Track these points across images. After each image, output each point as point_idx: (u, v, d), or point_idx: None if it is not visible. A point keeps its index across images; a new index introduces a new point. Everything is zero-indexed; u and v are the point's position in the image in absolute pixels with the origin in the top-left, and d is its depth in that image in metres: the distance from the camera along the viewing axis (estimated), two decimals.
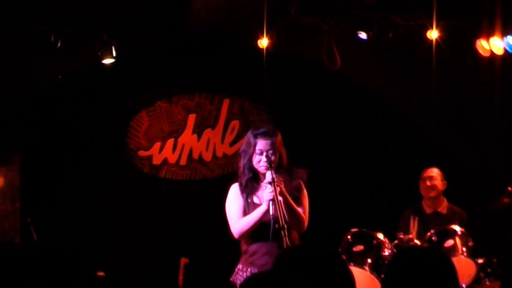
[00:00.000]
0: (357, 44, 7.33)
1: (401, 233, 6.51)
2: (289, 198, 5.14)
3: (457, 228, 6.48)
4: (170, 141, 8.62)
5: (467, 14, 6.97)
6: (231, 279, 5.32)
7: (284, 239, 4.88)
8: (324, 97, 8.65)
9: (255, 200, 5.22)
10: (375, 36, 7.15)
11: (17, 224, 8.33)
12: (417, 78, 7.99)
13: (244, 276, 5.16)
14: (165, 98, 8.66)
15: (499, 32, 6.85)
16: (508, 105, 7.98)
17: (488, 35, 6.92)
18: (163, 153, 8.61)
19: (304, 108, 8.62)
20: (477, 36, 6.98)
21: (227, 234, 5.36)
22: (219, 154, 8.64)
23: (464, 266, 6.24)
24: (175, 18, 7.74)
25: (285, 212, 5.03)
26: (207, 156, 8.65)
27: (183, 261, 7.46)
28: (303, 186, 5.31)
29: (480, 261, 6.40)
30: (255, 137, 5.23)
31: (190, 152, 8.64)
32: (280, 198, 5.01)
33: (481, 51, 7.00)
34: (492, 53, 6.96)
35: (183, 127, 8.64)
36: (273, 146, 5.19)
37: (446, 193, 7.20)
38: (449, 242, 6.38)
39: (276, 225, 4.94)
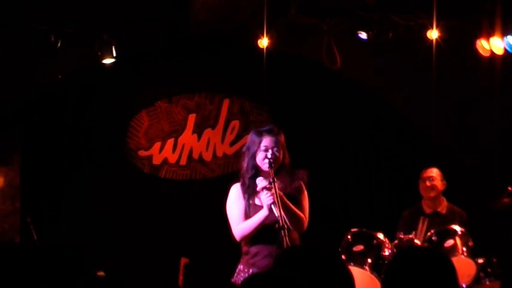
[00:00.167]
0: (357, 44, 7.33)
1: (402, 233, 6.51)
2: (286, 199, 5.13)
3: (457, 228, 6.47)
4: (170, 141, 8.62)
5: (467, 13, 6.97)
6: (232, 280, 5.31)
7: (284, 239, 4.88)
8: (324, 97, 8.65)
9: (257, 201, 5.19)
10: (375, 36, 7.16)
11: (17, 224, 8.34)
12: (417, 78, 7.99)
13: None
14: (165, 98, 8.66)
15: (499, 31, 6.85)
16: (508, 105, 7.98)
17: (488, 35, 6.92)
18: (163, 153, 8.61)
19: (304, 108, 8.62)
20: (477, 36, 6.98)
21: (227, 234, 5.35)
22: (219, 154, 8.64)
23: (465, 266, 6.23)
24: (175, 18, 7.75)
25: (284, 212, 5.03)
26: (207, 156, 8.65)
27: (183, 261, 7.46)
28: (304, 187, 5.31)
29: (480, 261, 6.40)
30: (260, 134, 5.22)
31: (191, 152, 8.64)
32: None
33: (481, 51, 7.01)
34: (492, 52, 6.96)
35: (183, 127, 8.64)
36: (278, 143, 5.20)
37: (446, 193, 7.20)
38: (450, 242, 6.37)
39: (276, 226, 4.94)
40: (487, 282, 6.42)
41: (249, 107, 8.67)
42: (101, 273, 6.47)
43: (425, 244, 6.39)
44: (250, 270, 5.17)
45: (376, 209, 8.41)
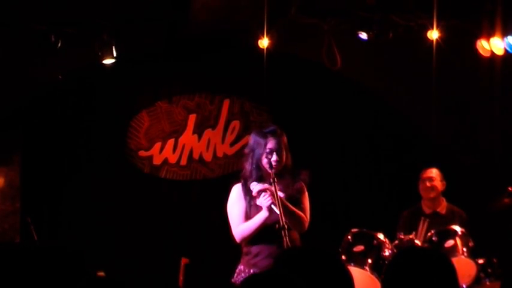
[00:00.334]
0: (357, 44, 7.33)
1: (402, 234, 6.51)
2: (285, 200, 5.13)
3: (457, 228, 6.47)
4: (170, 142, 8.62)
5: (468, 14, 6.97)
6: (232, 280, 5.30)
7: (284, 239, 4.88)
8: (324, 97, 8.65)
9: (258, 203, 5.19)
10: (375, 37, 7.15)
11: (17, 224, 8.33)
12: (417, 78, 7.99)
13: None
14: (165, 98, 8.66)
15: (500, 32, 6.85)
16: (508, 106, 7.98)
17: (488, 35, 6.92)
18: (163, 153, 8.61)
19: (304, 108, 8.62)
20: (477, 36, 6.98)
21: (227, 234, 5.35)
22: (220, 154, 8.64)
23: (465, 266, 6.23)
24: (175, 18, 7.74)
25: (284, 213, 5.03)
26: (208, 157, 8.64)
27: (183, 261, 7.46)
28: (305, 188, 5.32)
29: (480, 261, 6.40)
30: (265, 136, 5.21)
31: (191, 152, 8.64)
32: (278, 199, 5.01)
33: (481, 51, 7.00)
34: (492, 53, 6.96)
35: (183, 127, 8.64)
36: (282, 145, 5.20)
37: (446, 193, 7.20)
38: (450, 242, 6.37)
39: (276, 226, 4.94)
40: (487, 283, 6.42)
41: (249, 107, 8.67)
42: (101, 274, 6.47)
43: (426, 244, 6.39)
44: (251, 271, 5.17)
45: (376, 209, 8.41)
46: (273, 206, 5.01)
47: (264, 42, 7.49)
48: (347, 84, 8.62)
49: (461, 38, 7.15)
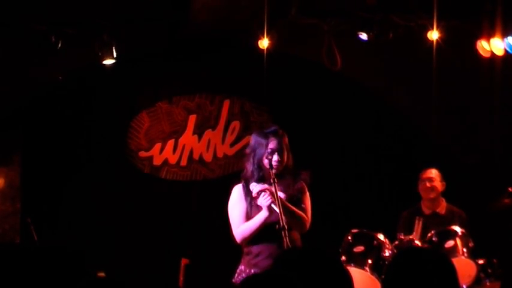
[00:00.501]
0: (357, 44, 7.33)
1: (402, 234, 6.51)
2: (285, 201, 5.13)
3: (457, 229, 6.47)
4: (171, 142, 8.62)
5: (468, 14, 6.97)
6: (233, 280, 5.30)
7: (284, 239, 4.88)
8: (325, 98, 8.65)
9: (258, 202, 5.19)
10: (376, 37, 7.15)
11: (17, 224, 8.33)
12: (417, 79, 7.99)
13: None
14: (165, 98, 8.66)
15: (500, 32, 6.85)
16: (508, 106, 7.98)
17: (488, 36, 6.91)
18: (163, 153, 8.61)
19: (304, 108, 8.62)
20: (477, 36, 6.97)
21: (228, 235, 5.35)
22: (220, 155, 8.64)
23: (465, 267, 6.23)
24: (175, 19, 7.74)
25: (283, 213, 5.03)
26: (208, 157, 8.64)
27: (184, 261, 7.46)
28: (306, 188, 5.32)
29: (480, 261, 6.40)
30: (266, 136, 5.22)
31: (191, 152, 8.63)
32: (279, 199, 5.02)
33: (481, 51, 7.00)
34: (492, 53, 6.96)
35: (183, 128, 8.64)
36: (283, 145, 5.20)
37: (446, 193, 7.20)
38: (450, 243, 6.37)
39: (277, 226, 4.94)
40: (488, 283, 6.42)
41: (250, 107, 8.67)
42: (102, 274, 6.47)
43: (425, 244, 6.39)
44: (252, 271, 5.17)
45: (376, 210, 8.41)
46: (273, 205, 5.02)
47: (264, 43, 7.48)
48: (347, 84, 8.62)
49: (462, 39, 7.15)
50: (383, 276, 6.00)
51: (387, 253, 6.26)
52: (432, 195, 7.11)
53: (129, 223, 8.45)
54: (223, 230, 5.50)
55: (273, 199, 5.01)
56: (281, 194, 5.13)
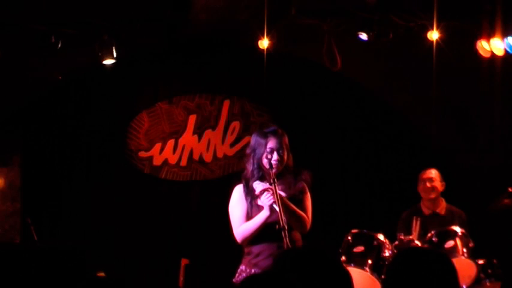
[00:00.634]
0: (357, 44, 7.33)
1: (402, 234, 6.51)
2: (287, 200, 5.13)
3: (457, 229, 6.47)
4: (171, 142, 8.62)
5: (468, 14, 6.97)
6: (233, 280, 5.30)
7: (284, 240, 4.88)
8: (325, 98, 8.65)
9: (259, 202, 5.19)
10: (376, 37, 7.15)
11: (17, 224, 8.33)
12: (417, 79, 7.99)
13: None
14: (165, 98, 8.66)
15: (500, 32, 6.85)
16: (508, 106, 7.98)
17: (488, 36, 6.91)
18: (163, 154, 8.61)
19: (304, 108, 8.62)
20: (477, 37, 6.97)
21: (228, 235, 5.35)
22: (220, 155, 8.64)
23: (465, 267, 6.24)
24: (175, 19, 7.74)
25: (284, 213, 5.03)
26: (208, 157, 8.64)
27: (184, 262, 7.46)
28: (307, 188, 5.32)
29: (480, 262, 6.40)
30: (265, 135, 5.22)
31: (191, 152, 8.64)
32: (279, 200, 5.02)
33: (481, 52, 7.00)
34: (492, 53, 6.96)
35: (183, 128, 8.64)
36: (283, 144, 5.20)
37: (446, 193, 7.20)
38: (450, 243, 6.38)
39: (277, 226, 4.94)
40: (488, 283, 6.42)
41: (250, 107, 8.67)
42: (101, 274, 6.47)
43: (425, 244, 6.39)
44: (253, 270, 5.17)
45: (376, 210, 8.42)
46: (274, 205, 5.02)
47: (264, 43, 7.49)
48: (347, 85, 8.62)
49: (462, 39, 7.15)
50: (383, 276, 6.01)
51: (387, 253, 6.26)
52: (432, 196, 7.11)
53: (129, 223, 8.45)
54: (223, 230, 5.50)
55: (275, 199, 5.01)
56: (282, 194, 5.13)
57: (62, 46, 7.24)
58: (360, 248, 6.30)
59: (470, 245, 6.39)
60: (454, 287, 3.09)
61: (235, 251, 5.42)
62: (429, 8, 6.90)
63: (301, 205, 5.23)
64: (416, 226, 6.61)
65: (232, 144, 8.62)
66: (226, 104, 8.67)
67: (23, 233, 8.09)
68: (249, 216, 5.20)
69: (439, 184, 7.12)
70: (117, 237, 8.41)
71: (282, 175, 5.21)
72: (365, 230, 6.41)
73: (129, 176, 8.57)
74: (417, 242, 6.41)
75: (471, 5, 6.96)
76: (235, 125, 8.65)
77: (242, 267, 5.28)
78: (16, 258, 6.18)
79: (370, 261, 6.23)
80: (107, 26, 7.40)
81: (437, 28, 7.01)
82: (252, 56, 7.76)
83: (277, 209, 4.99)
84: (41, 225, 7.70)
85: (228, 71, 8.60)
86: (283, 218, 4.93)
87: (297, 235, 5.23)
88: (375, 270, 6.19)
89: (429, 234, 6.46)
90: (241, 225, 5.21)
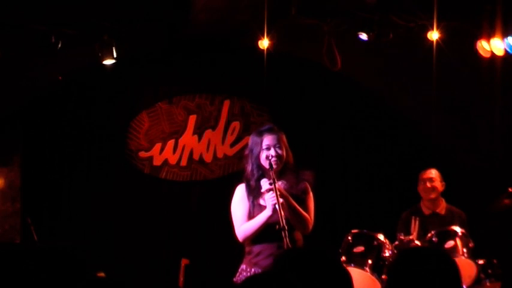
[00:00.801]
0: (357, 44, 7.33)
1: (402, 234, 6.51)
2: (291, 199, 5.14)
3: (457, 229, 6.48)
4: (171, 142, 8.62)
5: (468, 15, 6.96)
6: (234, 279, 5.31)
7: (285, 240, 4.88)
8: (325, 98, 8.66)
9: (261, 202, 5.19)
10: (376, 37, 7.14)
11: (17, 224, 8.34)
12: (417, 79, 7.99)
13: None
14: (165, 98, 8.66)
15: (500, 32, 6.84)
16: (508, 106, 7.98)
17: (488, 36, 6.91)
18: (163, 154, 8.61)
19: (304, 108, 8.63)
20: (478, 37, 6.97)
21: (228, 235, 5.35)
22: (220, 155, 8.64)
23: (465, 267, 6.23)
24: (175, 19, 7.74)
25: (286, 213, 5.03)
26: (208, 157, 8.65)
27: (184, 262, 7.46)
28: (309, 188, 5.31)
29: (481, 262, 6.41)
30: (261, 134, 5.23)
31: (191, 153, 8.64)
32: (281, 199, 5.01)
33: (481, 52, 6.99)
34: (493, 53, 6.95)
35: (183, 128, 8.64)
36: (279, 141, 5.20)
37: (446, 194, 7.20)
38: (450, 243, 6.38)
39: (277, 226, 4.94)
40: (488, 283, 6.42)
41: (250, 108, 8.68)
42: (101, 274, 6.47)
43: (425, 244, 6.39)
44: (253, 270, 5.17)
45: (377, 210, 8.42)
46: (277, 206, 5.02)
47: (264, 43, 7.48)
48: (347, 85, 8.63)
49: (462, 39, 7.14)
50: (383, 276, 6.02)
51: (387, 253, 6.26)
52: (432, 196, 7.11)
53: (129, 223, 8.46)
54: (223, 230, 5.50)
55: (278, 199, 5.00)
56: (286, 194, 5.14)
57: (62, 46, 7.24)
58: (360, 248, 6.30)
59: (470, 245, 6.39)
60: (456, 285, 3.09)
61: (235, 250, 5.43)
62: (429, 8, 6.89)
63: (304, 205, 5.23)
64: (415, 226, 6.61)
65: (232, 144, 8.63)
66: (226, 104, 8.67)
67: (23, 233, 8.09)
68: (250, 216, 5.20)
69: (439, 184, 7.12)
70: (117, 238, 8.41)
71: (284, 174, 5.21)
72: (365, 230, 6.41)
73: (129, 176, 8.58)
74: (417, 242, 6.41)
75: (471, 5, 6.95)
76: (235, 125, 8.65)
77: (243, 266, 5.29)
78: (16, 258, 6.18)
79: (370, 261, 6.23)
80: (107, 26, 7.39)
81: (437, 28, 7.00)
82: (252, 56, 7.75)
83: (277, 208, 4.99)
84: (41, 225, 7.70)
85: (228, 71, 8.60)
86: (283, 218, 4.94)
87: (298, 235, 5.23)
88: (375, 270, 6.19)
89: (429, 234, 6.46)
90: (242, 224, 5.21)
